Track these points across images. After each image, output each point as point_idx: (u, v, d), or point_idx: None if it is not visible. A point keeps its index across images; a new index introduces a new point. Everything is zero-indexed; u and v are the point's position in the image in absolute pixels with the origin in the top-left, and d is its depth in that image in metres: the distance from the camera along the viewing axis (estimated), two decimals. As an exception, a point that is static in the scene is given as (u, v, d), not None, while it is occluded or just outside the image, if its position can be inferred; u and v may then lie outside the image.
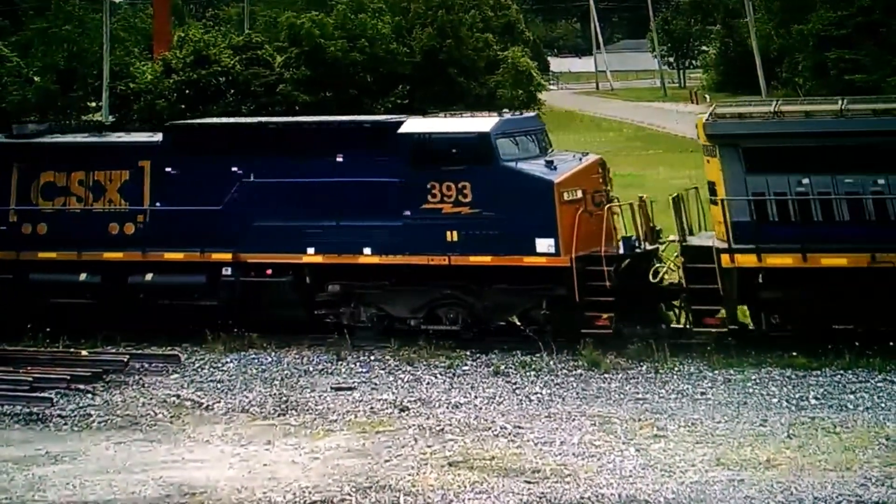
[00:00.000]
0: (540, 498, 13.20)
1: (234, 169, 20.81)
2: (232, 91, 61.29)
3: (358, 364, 19.34)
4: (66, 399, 17.81)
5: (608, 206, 19.58)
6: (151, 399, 17.88)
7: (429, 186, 19.57)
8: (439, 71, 64.85)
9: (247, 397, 17.81)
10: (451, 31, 66.02)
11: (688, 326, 19.30)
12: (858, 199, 18.10)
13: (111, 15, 60.40)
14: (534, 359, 18.98)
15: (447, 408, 16.88)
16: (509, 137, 19.87)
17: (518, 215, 19.16)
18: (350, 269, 20.21)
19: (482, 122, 20.09)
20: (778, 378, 17.52)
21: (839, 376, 17.48)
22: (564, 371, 18.42)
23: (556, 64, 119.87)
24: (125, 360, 19.28)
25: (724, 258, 18.47)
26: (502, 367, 18.73)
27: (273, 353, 20.06)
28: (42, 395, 17.59)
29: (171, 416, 16.99)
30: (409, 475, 14.05)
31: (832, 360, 17.99)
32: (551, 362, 18.80)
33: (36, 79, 61.63)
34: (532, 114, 21.68)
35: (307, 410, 17.05)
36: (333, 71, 61.89)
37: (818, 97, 20.60)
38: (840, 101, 18.91)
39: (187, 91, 61.21)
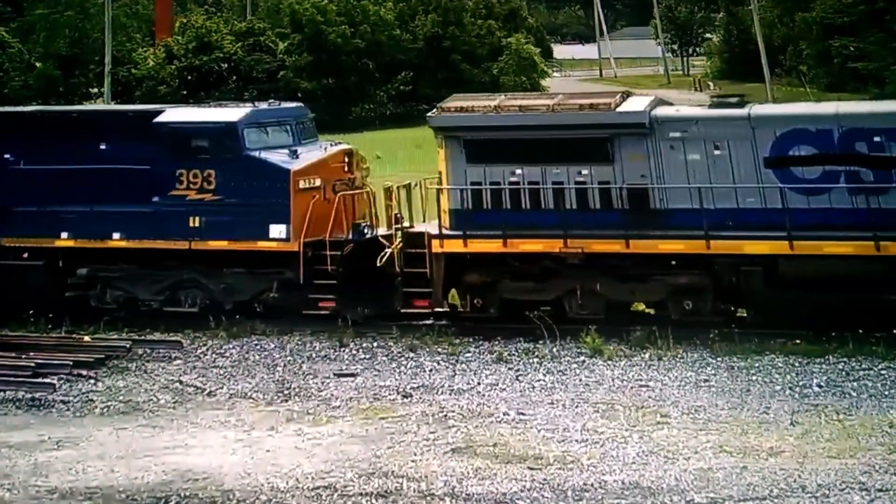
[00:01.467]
0: (543, 484, 13.17)
1: (7, 156, 21.80)
2: (234, 77, 61.26)
3: (360, 350, 19.33)
4: (69, 385, 17.79)
5: (340, 194, 20.54)
6: (154, 385, 17.87)
7: (178, 174, 20.58)
8: (442, 58, 64.74)
9: (249, 383, 17.80)
10: (455, 17, 65.86)
11: (399, 309, 20.32)
12: (561, 188, 19.35)
13: (113, 0, 60.22)
14: (537, 346, 18.97)
15: (450, 394, 16.86)
16: (260, 127, 20.89)
17: (256, 202, 20.19)
18: (101, 252, 21.12)
19: (231, 113, 21.06)
20: (781, 365, 17.50)
21: (843, 364, 17.45)
22: (567, 358, 18.39)
23: (560, 51, 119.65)
24: (128, 345, 19.29)
25: (435, 244, 19.63)
26: (505, 354, 18.71)
27: (276, 340, 20.06)
28: (45, 380, 17.59)
29: (174, 402, 16.98)
30: (413, 461, 14.03)
31: (836, 348, 17.97)
32: (554, 349, 18.78)
33: (38, 65, 61.58)
34: (293, 104, 22.54)
35: (310, 397, 17.03)
36: (336, 57, 61.81)
37: (555, 94, 22.41)
38: (556, 97, 20.28)
39: (189, 77, 61.19)
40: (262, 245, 20.20)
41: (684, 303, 19.10)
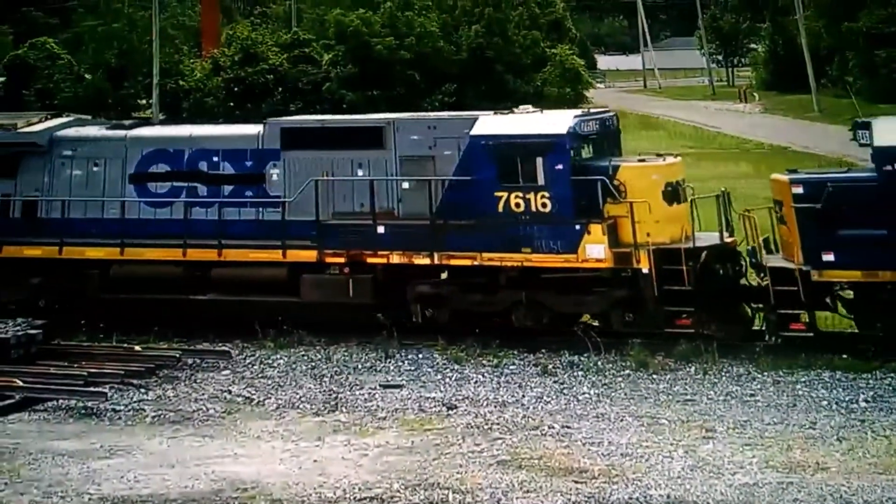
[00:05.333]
0: (588, 498, 13.24)
1: None
2: (279, 89, 61.65)
3: (406, 362, 19.47)
4: (120, 394, 18.10)
5: None
6: (203, 394, 18.12)
7: None
8: (486, 69, 64.75)
9: (297, 393, 18.00)
10: (499, 28, 65.89)
11: None
12: None
13: (160, 13, 60.93)
14: (581, 359, 19.02)
15: (495, 407, 16.95)
16: None
17: None
18: None
19: None
20: (828, 380, 17.43)
21: (890, 379, 17.36)
22: (612, 371, 18.43)
23: (603, 61, 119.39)
24: (178, 355, 19.56)
25: None
26: (550, 366, 18.77)
27: (322, 351, 20.26)
28: (97, 389, 17.86)
29: (223, 412, 17.21)
30: (458, 473, 14.14)
31: (883, 363, 17.86)
32: (599, 362, 18.82)
33: (87, 76, 62.33)
34: None
35: (356, 407, 17.20)
36: (381, 69, 62.05)
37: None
38: None
39: (235, 89, 61.66)
40: None
41: (39, 301, 21.79)
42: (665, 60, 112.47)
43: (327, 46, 64.98)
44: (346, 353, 20.07)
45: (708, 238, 19.39)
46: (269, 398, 17.83)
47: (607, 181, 18.84)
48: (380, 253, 20.07)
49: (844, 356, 18.20)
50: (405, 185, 20.15)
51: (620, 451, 14.76)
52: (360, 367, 19.40)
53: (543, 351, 19.51)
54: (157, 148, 21.91)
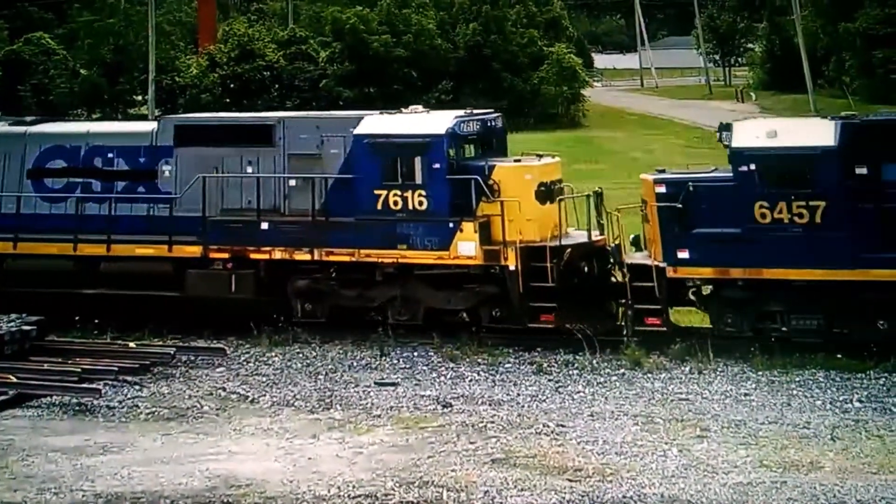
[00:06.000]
0: (582, 496, 13.26)
1: None
2: (276, 86, 61.69)
3: (401, 360, 19.46)
4: (115, 390, 18.08)
5: None
6: (198, 391, 18.11)
7: None
8: (483, 66, 64.82)
9: (291, 391, 17.99)
10: (496, 26, 65.93)
11: None
12: None
13: (156, 8, 60.88)
14: (576, 357, 19.02)
15: (490, 405, 16.96)
16: None
17: None
18: None
19: None
20: (822, 380, 17.46)
21: (884, 379, 17.38)
22: (607, 370, 18.44)
23: (600, 60, 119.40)
24: (172, 352, 19.52)
25: None
26: (545, 365, 18.78)
27: (317, 348, 20.25)
28: (91, 386, 17.83)
29: (218, 409, 17.20)
30: (452, 471, 14.16)
31: (877, 363, 17.89)
32: (594, 361, 18.83)
33: (83, 72, 62.29)
34: None
35: (351, 405, 17.20)
36: (377, 66, 62.09)
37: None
38: None
39: (232, 85, 61.69)
40: None
41: None
42: (662, 59, 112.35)
43: (324, 43, 65.04)
44: (340, 351, 20.06)
45: (578, 237, 19.85)
46: (264, 395, 17.82)
47: (481, 180, 19.37)
48: (263, 249, 20.57)
49: (839, 356, 18.21)
50: (292, 182, 20.61)
51: (615, 449, 14.77)
52: (354, 364, 19.39)
53: (538, 349, 19.51)
54: (54, 144, 22.33)
